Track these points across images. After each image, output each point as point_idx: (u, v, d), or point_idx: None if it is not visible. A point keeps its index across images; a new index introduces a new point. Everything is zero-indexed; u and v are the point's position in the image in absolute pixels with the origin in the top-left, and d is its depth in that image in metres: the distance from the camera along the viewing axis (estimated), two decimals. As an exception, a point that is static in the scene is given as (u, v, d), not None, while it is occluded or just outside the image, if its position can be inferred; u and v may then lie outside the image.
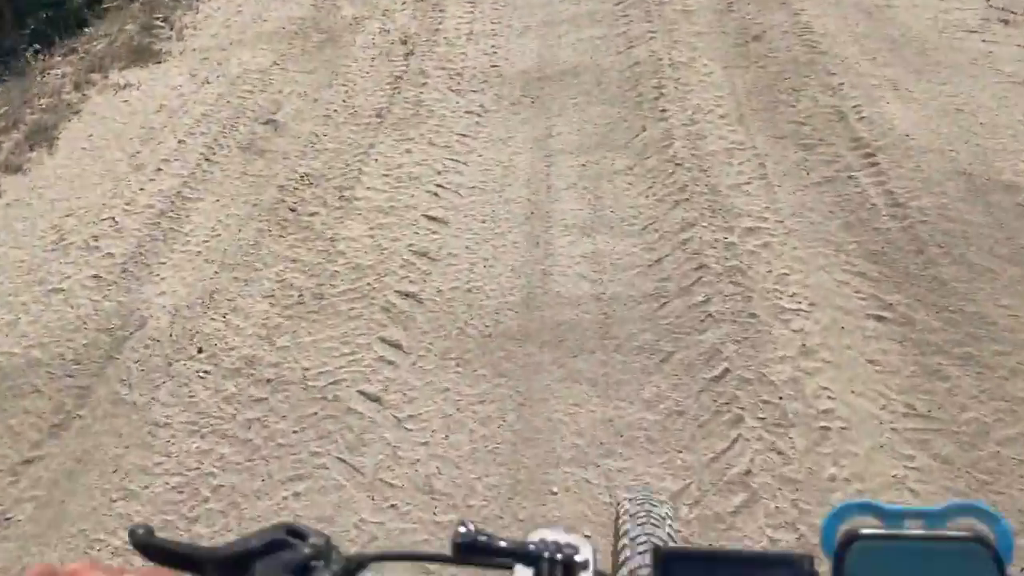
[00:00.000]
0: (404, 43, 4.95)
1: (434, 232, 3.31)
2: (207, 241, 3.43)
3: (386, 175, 3.71)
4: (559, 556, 0.53)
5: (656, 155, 3.63)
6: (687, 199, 3.30)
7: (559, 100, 4.18)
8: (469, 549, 0.54)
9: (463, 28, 5.07)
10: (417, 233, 3.31)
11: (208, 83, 4.76)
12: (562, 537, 0.55)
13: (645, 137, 3.78)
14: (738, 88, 4.12)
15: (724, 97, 4.06)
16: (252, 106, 4.43)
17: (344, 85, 4.52)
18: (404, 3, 5.47)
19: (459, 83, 4.44)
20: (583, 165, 3.64)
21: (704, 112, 3.92)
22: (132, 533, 0.56)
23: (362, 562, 0.57)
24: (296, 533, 0.56)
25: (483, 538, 0.54)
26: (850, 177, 3.35)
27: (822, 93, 3.99)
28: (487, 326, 2.81)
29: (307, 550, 0.56)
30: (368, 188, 3.62)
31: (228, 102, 4.51)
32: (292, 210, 3.54)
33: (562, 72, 4.45)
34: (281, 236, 3.38)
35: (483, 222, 3.34)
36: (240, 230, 3.46)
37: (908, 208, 3.13)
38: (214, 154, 4.05)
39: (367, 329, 2.84)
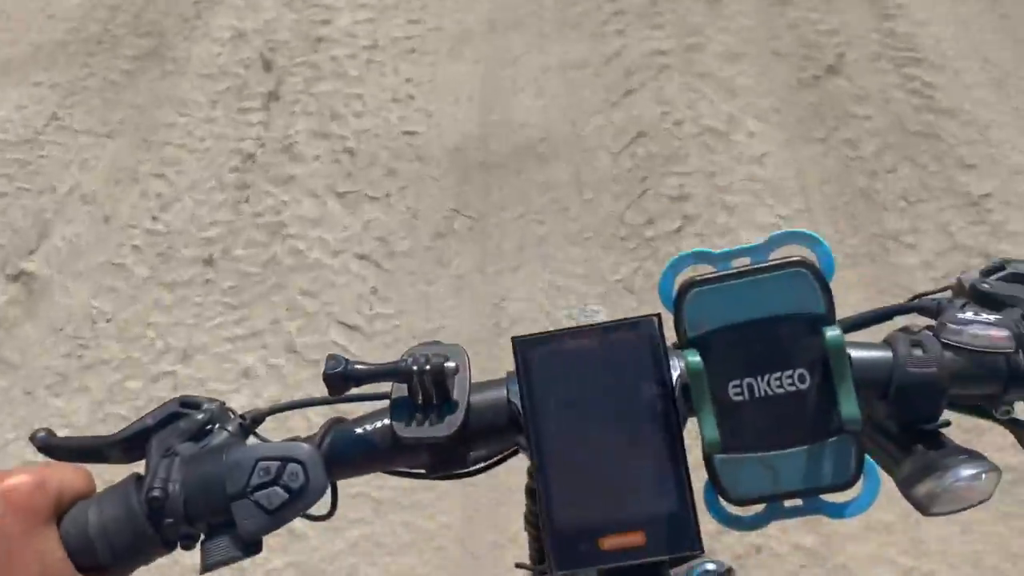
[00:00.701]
0: (267, 68, 3.09)
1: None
2: None
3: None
4: (428, 366, 0.52)
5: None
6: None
7: (515, 226, 2.46)
8: (341, 379, 0.53)
9: (362, 32, 3.19)
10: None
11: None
12: (433, 349, 0.55)
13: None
14: (815, 199, 2.44)
15: (796, 222, 2.39)
16: None
17: (159, 173, 2.71)
18: (275, -31, 3.52)
19: (349, 172, 2.66)
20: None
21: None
22: (33, 438, 0.56)
23: (256, 418, 0.58)
24: (190, 404, 0.57)
25: (353, 366, 0.54)
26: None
27: (958, 215, 2.33)
28: None
29: (200, 416, 0.56)
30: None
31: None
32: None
33: (519, 149, 2.68)
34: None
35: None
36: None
37: None
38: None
39: None
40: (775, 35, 2.98)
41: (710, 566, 0.68)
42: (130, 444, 0.56)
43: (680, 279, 0.55)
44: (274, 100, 2.97)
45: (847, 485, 0.53)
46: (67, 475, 0.54)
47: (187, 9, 3.40)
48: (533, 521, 0.81)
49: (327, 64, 3.08)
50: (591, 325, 0.54)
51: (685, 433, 0.53)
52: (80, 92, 3.10)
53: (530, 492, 0.76)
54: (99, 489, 0.55)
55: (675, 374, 0.53)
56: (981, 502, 0.53)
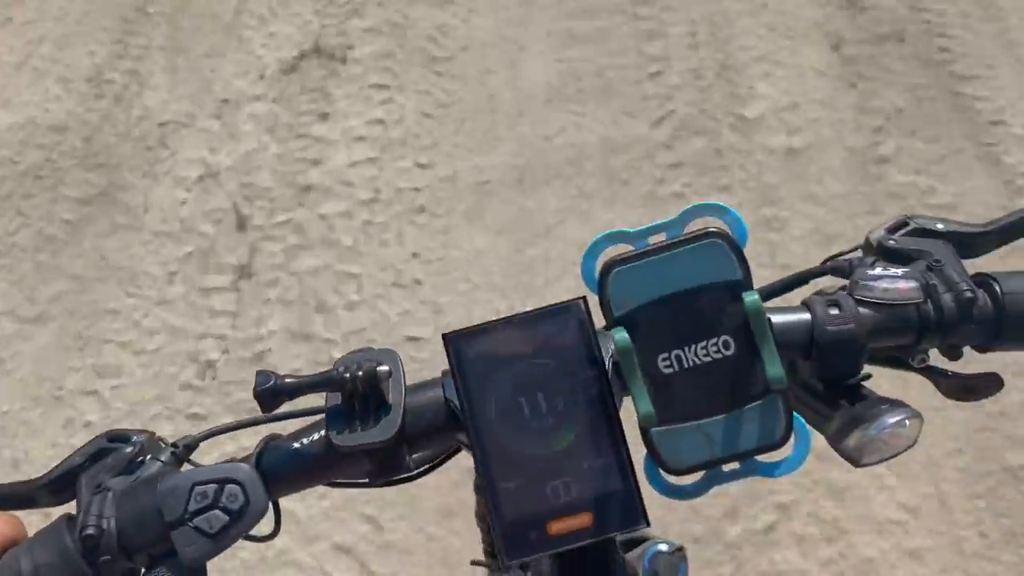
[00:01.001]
0: (240, 226, 2.49)
1: None
2: None
3: None
4: (360, 373, 0.53)
5: None
6: None
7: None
8: (272, 395, 0.53)
9: (359, 179, 2.58)
10: None
11: None
12: (365, 356, 0.55)
13: None
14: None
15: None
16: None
17: (91, 390, 2.10)
18: (262, 83, 2.91)
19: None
20: None
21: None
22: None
23: (189, 445, 0.58)
24: (117, 439, 0.56)
25: (283, 380, 0.53)
26: None
27: None
28: None
29: (129, 448, 0.55)
30: None
31: None
32: None
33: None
34: None
35: None
36: None
37: None
38: None
39: None
40: (875, 207, 2.38)
41: (662, 547, 0.69)
42: (58, 485, 0.56)
43: (601, 260, 0.56)
44: (246, 277, 2.37)
45: (779, 444, 0.54)
46: None
47: (150, 132, 2.80)
48: (484, 515, 0.80)
49: (315, 226, 2.48)
50: (520, 314, 0.54)
51: (621, 412, 0.54)
52: (8, 252, 2.51)
53: (479, 488, 0.75)
54: (30, 535, 0.53)
55: (606, 355, 0.54)
56: (908, 448, 0.56)
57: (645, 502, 0.52)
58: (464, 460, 0.59)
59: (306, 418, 0.58)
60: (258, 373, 0.53)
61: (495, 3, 3.10)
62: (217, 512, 0.51)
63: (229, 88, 2.90)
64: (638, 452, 0.54)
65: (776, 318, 0.56)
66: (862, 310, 0.56)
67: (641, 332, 0.54)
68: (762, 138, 2.58)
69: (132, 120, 2.84)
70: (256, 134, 2.77)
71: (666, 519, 1.80)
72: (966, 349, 0.60)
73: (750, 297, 0.53)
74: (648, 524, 0.52)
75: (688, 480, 0.54)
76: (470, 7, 3.10)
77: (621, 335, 0.53)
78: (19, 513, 0.55)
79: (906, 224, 0.62)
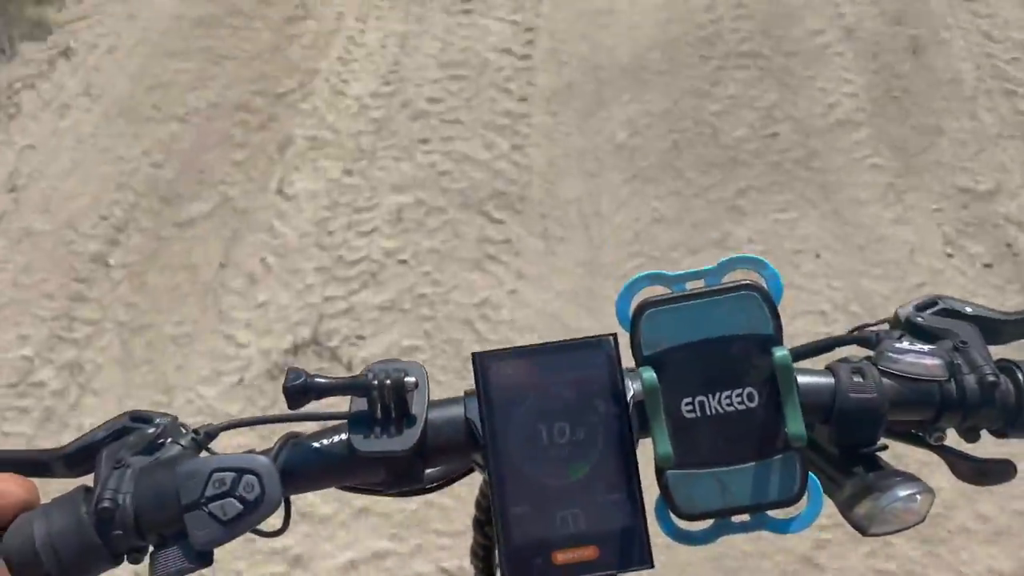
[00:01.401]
0: None
1: None
2: None
3: None
4: (388, 381, 0.53)
5: None
6: None
7: None
8: (301, 392, 0.53)
9: None
10: None
11: None
12: (393, 365, 0.55)
13: None
14: None
15: None
16: None
17: None
18: (240, 393, 2.15)
19: None
20: None
21: None
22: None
23: (210, 433, 0.58)
24: (140, 419, 0.57)
25: (313, 379, 0.54)
26: None
27: None
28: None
29: (151, 429, 0.56)
30: None
31: None
32: None
33: None
34: None
35: None
36: None
37: None
38: None
39: None
40: None
41: None
42: (77, 457, 0.57)
43: (636, 300, 0.57)
44: None
45: (792, 501, 0.54)
46: (10, 487, 0.53)
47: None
48: (481, 554, 0.80)
49: None
50: (551, 343, 0.55)
51: (638, 452, 0.54)
52: None
53: (478, 524, 0.76)
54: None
55: (629, 393, 0.54)
56: (917, 523, 0.56)
57: (652, 544, 0.52)
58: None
59: (325, 421, 0.57)
60: (289, 370, 0.54)
61: (548, 269, 2.36)
62: (232, 500, 0.51)
63: (194, 402, 2.16)
64: (650, 494, 0.53)
65: (801, 379, 0.56)
66: (886, 381, 0.56)
67: (668, 374, 0.54)
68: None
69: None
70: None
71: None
72: (983, 433, 0.59)
73: (780, 352, 0.54)
74: (652, 566, 0.52)
75: (697, 526, 0.55)
76: (518, 270, 2.35)
77: (649, 374, 0.54)
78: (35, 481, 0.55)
79: (935, 303, 0.63)
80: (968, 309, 0.62)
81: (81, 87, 3.11)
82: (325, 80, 3.18)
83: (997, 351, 0.60)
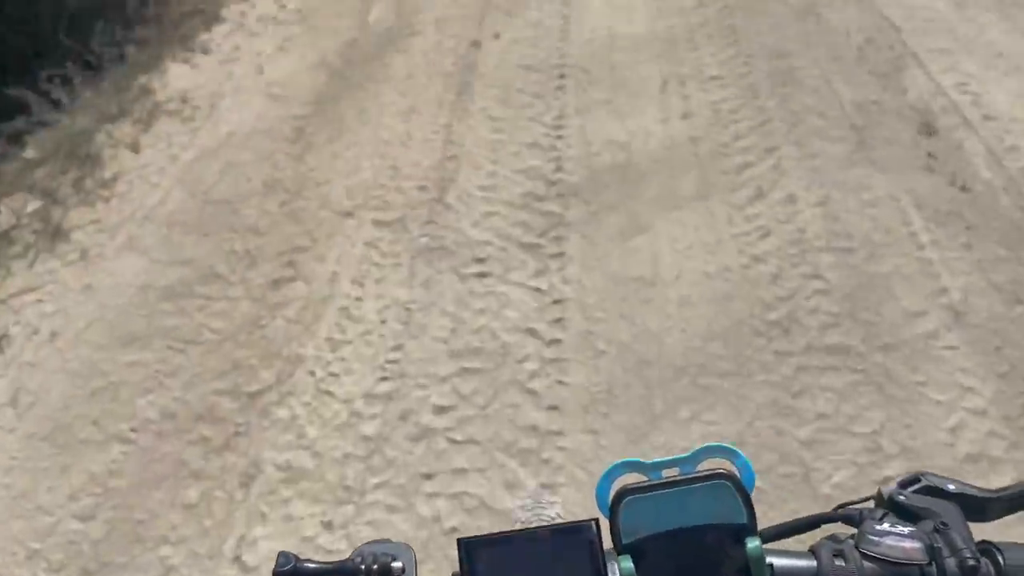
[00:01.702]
0: None
1: None
2: None
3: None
4: (375, 566, 0.55)
5: None
6: None
7: None
8: None
9: None
10: None
11: None
12: (381, 548, 0.57)
13: None
14: None
15: None
16: None
17: None
18: None
19: None
20: None
21: None
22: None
23: None
24: None
25: (302, 564, 0.56)
26: None
27: None
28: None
29: None
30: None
31: None
32: None
33: None
34: None
35: None
36: None
37: None
38: None
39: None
40: None
41: None
42: None
43: (616, 486, 0.58)
44: None
45: None
46: None
47: None
48: None
49: None
50: (534, 528, 0.57)
51: None
52: None
53: None
54: None
55: None
56: None
57: None
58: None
59: None
60: (280, 554, 0.55)
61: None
62: None
63: None
64: None
65: (780, 562, 0.56)
66: (867, 564, 0.56)
67: (646, 562, 0.55)
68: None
69: None
70: None
71: None
72: None
73: (752, 543, 0.55)
74: None
75: None
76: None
77: (627, 564, 0.55)
78: None
79: (918, 480, 0.63)
80: (951, 487, 0.62)
81: (7, 395, 2.53)
82: (309, 373, 2.59)
83: (982, 528, 0.60)
